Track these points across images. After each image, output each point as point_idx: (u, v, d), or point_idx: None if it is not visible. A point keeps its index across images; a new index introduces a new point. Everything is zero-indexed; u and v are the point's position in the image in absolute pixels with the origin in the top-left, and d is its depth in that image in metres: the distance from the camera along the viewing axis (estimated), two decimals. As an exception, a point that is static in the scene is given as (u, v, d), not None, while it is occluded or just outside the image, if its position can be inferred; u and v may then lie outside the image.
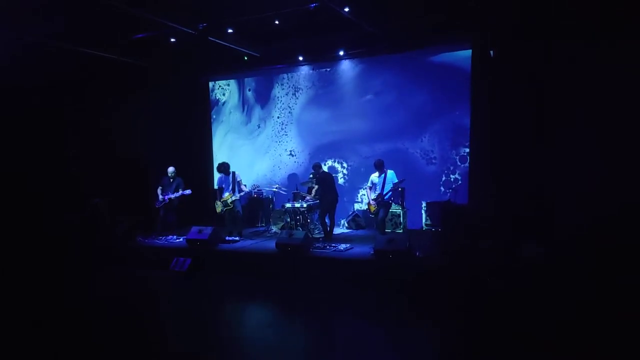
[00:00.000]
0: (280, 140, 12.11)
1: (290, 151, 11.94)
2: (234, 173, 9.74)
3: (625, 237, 6.83)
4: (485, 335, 5.31)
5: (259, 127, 12.35)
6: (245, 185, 9.90)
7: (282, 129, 12.06)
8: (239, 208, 9.75)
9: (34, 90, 9.54)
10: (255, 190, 10.91)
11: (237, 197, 9.62)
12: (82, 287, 7.96)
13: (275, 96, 12.08)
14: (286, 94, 11.92)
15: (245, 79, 12.47)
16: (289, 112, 11.91)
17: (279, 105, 12.06)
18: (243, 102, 12.58)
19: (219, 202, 9.67)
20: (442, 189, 10.13)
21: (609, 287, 6.01)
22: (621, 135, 7.43)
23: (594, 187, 7.42)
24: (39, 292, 7.55)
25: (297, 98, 11.78)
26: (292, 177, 11.89)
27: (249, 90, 12.46)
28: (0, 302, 7.01)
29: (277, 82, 12.02)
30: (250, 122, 12.50)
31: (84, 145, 10.79)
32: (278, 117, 12.09)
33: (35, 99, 9.69)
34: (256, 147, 12.43)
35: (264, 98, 12.26)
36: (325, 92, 11.41)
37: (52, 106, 10.11)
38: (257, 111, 12.39)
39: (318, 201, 9.54)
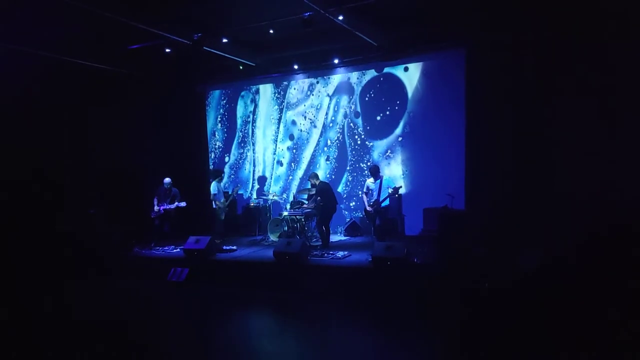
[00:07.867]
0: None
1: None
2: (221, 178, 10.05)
3: (626, 237, 6.82)
4: (484, 338, 5.29)
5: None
6: (228, 191, 10.08)
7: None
8: (222, 214, 9.92)
9: (31, 100, 9.52)
10: (236, 193, 10.87)
11: (222, 202, 9.85)
12: (77, 297, 7.92)
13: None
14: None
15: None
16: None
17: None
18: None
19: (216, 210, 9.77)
20: (440, 194, 10.09)
21: (609, 288, 6.00)
22: (621, 136, 7.44)
23: (596, 189, 7.41)
24: (34, 300, 7.54)
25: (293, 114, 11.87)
26: (286, 185, 11.92)
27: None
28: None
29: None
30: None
31: (79, 155, 10.75)
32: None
33: (32, 109, 9.67)
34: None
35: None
36: (319, 98, 11.47)
37: (48, 116, 10.08)
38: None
39: (315, 209, 9.52)
